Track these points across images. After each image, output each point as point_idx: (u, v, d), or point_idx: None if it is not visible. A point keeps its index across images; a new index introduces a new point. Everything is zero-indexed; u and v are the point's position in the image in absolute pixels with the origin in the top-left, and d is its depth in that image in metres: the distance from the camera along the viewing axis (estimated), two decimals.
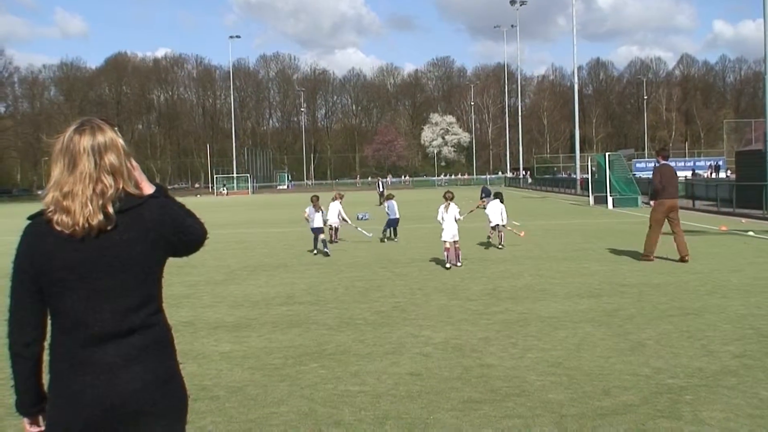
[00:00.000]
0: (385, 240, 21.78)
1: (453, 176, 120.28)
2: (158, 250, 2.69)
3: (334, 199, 21.71)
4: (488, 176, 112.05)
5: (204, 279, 14.14)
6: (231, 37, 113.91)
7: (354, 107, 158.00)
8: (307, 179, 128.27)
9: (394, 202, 22.25)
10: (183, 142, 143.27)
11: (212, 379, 6.98)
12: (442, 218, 15.56)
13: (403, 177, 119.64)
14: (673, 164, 16.57)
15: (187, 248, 2.82)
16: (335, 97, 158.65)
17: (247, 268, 15.71)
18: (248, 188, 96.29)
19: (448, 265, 14.84)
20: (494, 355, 7.58)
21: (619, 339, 8.14)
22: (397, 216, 22.04)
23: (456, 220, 15.42)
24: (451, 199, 15.82)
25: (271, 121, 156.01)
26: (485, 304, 10.52)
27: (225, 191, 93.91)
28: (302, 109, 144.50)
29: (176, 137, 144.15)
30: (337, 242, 21.32)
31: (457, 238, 15.23)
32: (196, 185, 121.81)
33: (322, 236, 18.62)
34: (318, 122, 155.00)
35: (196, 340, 8.65)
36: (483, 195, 29.49)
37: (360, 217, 31.87)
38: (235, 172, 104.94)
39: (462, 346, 7.98)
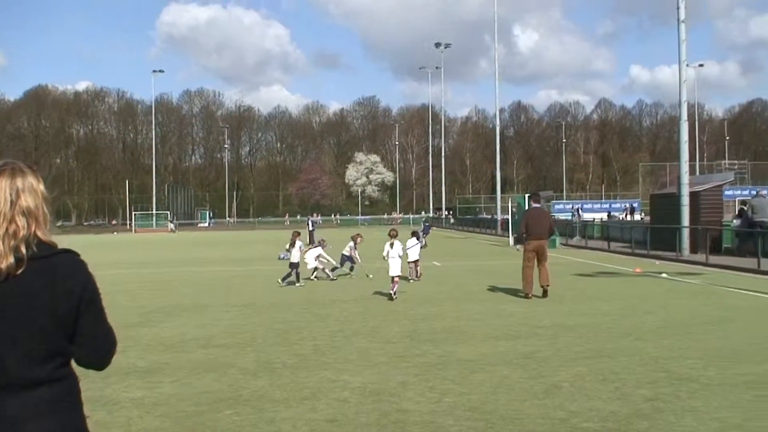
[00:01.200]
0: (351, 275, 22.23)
1: (388, 215, 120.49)
2: (65, 304, 2.61)
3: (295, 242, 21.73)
4: (411, 215, 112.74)
5: (117, 321, 13.79)
6: (154, 71, 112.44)
7: (279, 145, 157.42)
8: (229, 217, 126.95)
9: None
10: (102, 177, 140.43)
11: (121, 427, 6.80)
12: (388, 254, 17.01)
13: (333, 216, 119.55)
14: (541, 207, 17.80)
15: (87, 350, 2.70)
16: (260, 134, 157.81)
17: (164, 310, 15.41)
18: (168, 225, 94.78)
19: (396, 297, 16.32)
20: (412, 399, 7.57)
21: (534, 382, 8.22)
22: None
23: (400, 257, 16.82)
24: (396, 237, 17.42)
25: (193, 158, 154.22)
26: (405, 347, 10.52)
27: (172, 227, 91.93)
28: (226, 146, 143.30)
29: (95, 172, 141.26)
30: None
31: (399, 273, 16.70)
32: (113, 222, 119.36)
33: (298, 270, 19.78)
34: (242, 159, 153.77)
35: (107, 386, 8.41)
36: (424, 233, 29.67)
37: (282, 257, 31.62)
38: (154, 209, 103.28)
39: (380, 391, 7.95)
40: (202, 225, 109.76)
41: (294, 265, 20.09)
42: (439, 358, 9.68)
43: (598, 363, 9.18)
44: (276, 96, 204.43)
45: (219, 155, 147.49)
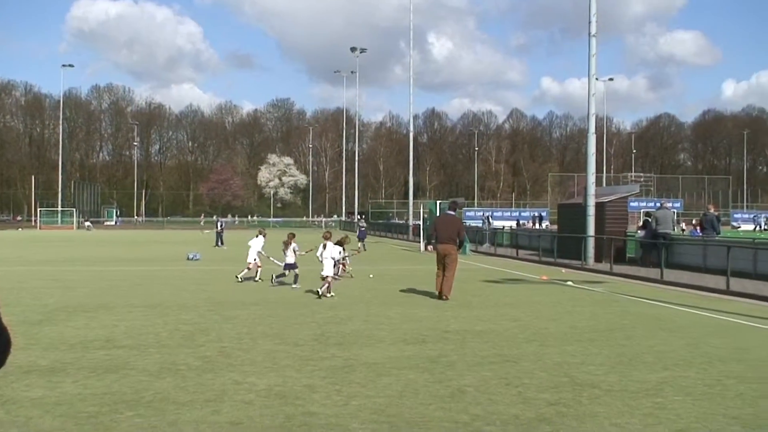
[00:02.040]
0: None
1: (318, 218, 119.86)
2: None
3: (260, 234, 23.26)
4: (323, 219, 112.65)
5: (18, 319, 13.39)
6: (63, 65, 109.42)
7: (190, 144, 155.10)
8: (137, 216, 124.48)
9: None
10: (6, 172, 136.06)
11: (20, 427, 6.59)
12: (321, 255, 18.11)
13: (249, 217, 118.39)
14: (452, 213, 18.53)
15: None
16: (170, 132, 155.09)
17: (66, 309, 15.00)
18: (74, 223, 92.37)
19: (330, 294, 17.30)
20: (318, 402, 7.54)
21: (440, 386, 8.28)
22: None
23: (333, 258, 17.96)
24: (329, 239, 18.49)
25: (101, 154, 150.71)
26: (312, 350, 10.48)
27: (89, 224, 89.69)
28: (135, 143, 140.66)
29: None
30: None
31: (332, 274, 17.72)
32: (18, 218, 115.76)
33: (296, 271, 20.26)
34: (151, 157, 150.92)
35: (6, 385, 8.14)
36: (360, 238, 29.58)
37: (190, 257, 31.22)
38: (60, 206, 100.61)
39: (286, 394, 7.89)
40: (109, 223, 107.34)
41: (290, 266, 20.36)
42: (346, 361, 9.67)
43: (502, 368, 9.31)
44: (188, 94, 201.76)
45: (128, 153, 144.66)
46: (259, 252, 22.43)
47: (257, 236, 23.05)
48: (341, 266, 22.39)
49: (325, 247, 18.29)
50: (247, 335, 11.79)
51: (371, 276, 22.48)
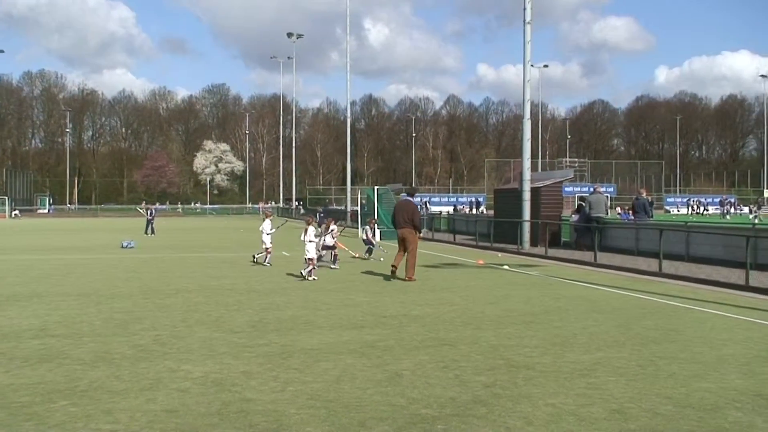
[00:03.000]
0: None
1: (256, 204, 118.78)
2: None
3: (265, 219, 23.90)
4: (261, 205, 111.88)
5: None
6: None
7: (123, 130, 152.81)
8: (70, 203, 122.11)
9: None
10: None
11: None
12: (303, 239, 19.13)
13: (194, 204, 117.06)
14: (416, 200, 20.24)
15: None
16: (103, 118, 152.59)
17: None
18: (5, 212, 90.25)
19: (312, 278, 18.19)
20: (255, 389, 7.51)
21: (377, 370, 8.31)
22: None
23: (312, 242, 18.93)
24: (311, 224, 19.72)
25: (33, 141, 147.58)
26: (249, 337, 10.42)
27: (17, 213, 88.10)
28: (67, 130, 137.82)
29: None
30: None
31: (313, 256, 18.61)
32: None
33: (335, 252, 22.16)
34: (84, 144, 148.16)
35: None
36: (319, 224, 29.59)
37: (125, 245, 30.77)
38: None
39: (222, 381, 7.84)
40: (41, 211, 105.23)
41: (328, 248, 22.32)
42: (283, 347, 9.65)
43: (439, 351, 9.38)
44: (120, 80, 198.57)
45: (60, 140, 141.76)
46: (270, 234, 23.11)
47: (264, 220, 23.85)
48: (334, 252, 22.81)
49: (306, 231, 19.19)
50: (182, 323, 11.67)
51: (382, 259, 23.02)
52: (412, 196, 19.86)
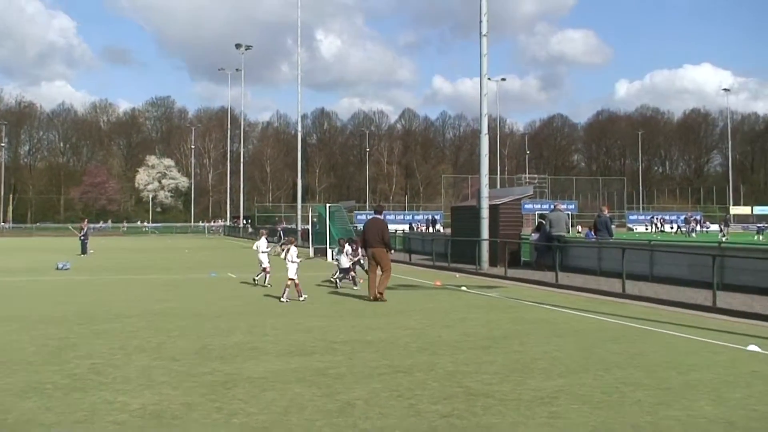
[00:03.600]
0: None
1: (201, 223, 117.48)
2: None
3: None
4: (205, 224, 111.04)
5: None
6: None
7: (62, 144, 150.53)
8: (4, 222, 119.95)
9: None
10: None
11: None
12: (285, 258, 19.33)
13: (125, 223, 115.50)
14: (381, 217, 20.12)
15: None
16: (41, 132, 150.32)
17: None
18: None
19: (284, 299, 18.37)
20: (197, 421, 7.33)
21: (328, 400, 8.17)
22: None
23: (295, 262, 19.02)
24: (293, 243, 20.04)
25: None
26: (191, 365, 10.21)
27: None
28: (3, 144, 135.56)
29: None
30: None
31: (294, 277, 18.72)
32: None
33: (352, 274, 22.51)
34: (20, 159, 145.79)
35: None
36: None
37: (60, 266, 30.25)
38: None
39: (161, 413, 7.64)
40: None
41: (345, 270, 22.47)
42: (228, 376, 9.46)
43: (394, 379, 9.26)
44: (59, 92, 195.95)
45: None
46: (265, 252, 23.26)
47: (260, 238, 24.03)
48: (352, 272, 23.00)
49: (288, 251, 19.39)
50: (120, 350, 11.42)
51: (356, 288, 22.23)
52: (381, 213, 20.36)
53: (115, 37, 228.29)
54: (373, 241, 19.13)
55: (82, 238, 42.87)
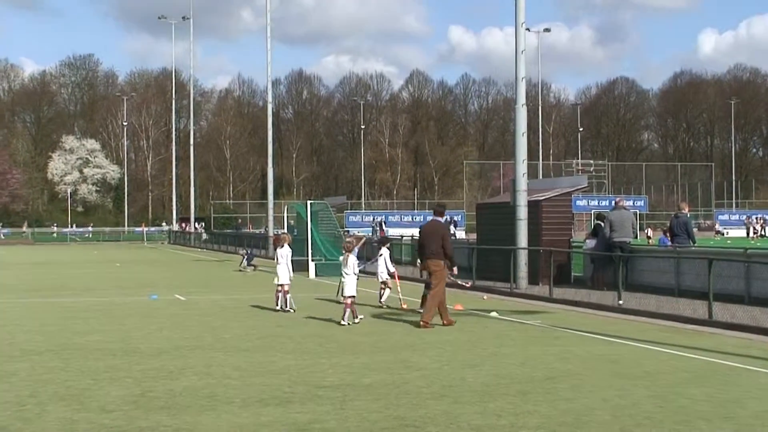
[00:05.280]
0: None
1: (140, 228, 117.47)
2: None
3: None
4: (145, 229, 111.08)
5: None
6: None
7: None
8: None
9: None
10: None
11: None
12: (344, 271, 20.30)
13: (27, 228, 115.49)
14: (443, 220, 20.89)
15: None
16: None
17: None
18: None
19: (343, 323, 19.31)
20: None
21: None
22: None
23: (355, 274, 20.18)
24: (351, 250, 20.73)
25: None
26: (127, 418, 10.29)
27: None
28: None
29: None
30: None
31: (353, 293, 19.77)
32: None
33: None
34: None
35: None
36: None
37: None
38: None
39: None
40: None
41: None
42: None
43: None
44: None
45: None
46: (288, 265, 23.11)
47: (282, 245, 23.59)
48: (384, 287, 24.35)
49: (346, 261, 20.50)
50: (31, 398, 11.50)
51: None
52: (442, 215, 20.95)
53: None
54: (429, 251, 19.75)
55: None
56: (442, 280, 19.63)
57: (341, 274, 20.78)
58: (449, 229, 20.73)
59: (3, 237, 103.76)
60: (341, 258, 21.13)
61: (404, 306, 23.23)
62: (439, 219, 20.73)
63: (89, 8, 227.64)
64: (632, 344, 16.61)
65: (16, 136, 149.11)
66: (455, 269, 20.59)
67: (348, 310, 19.66)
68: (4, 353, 15.67)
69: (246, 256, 43.17)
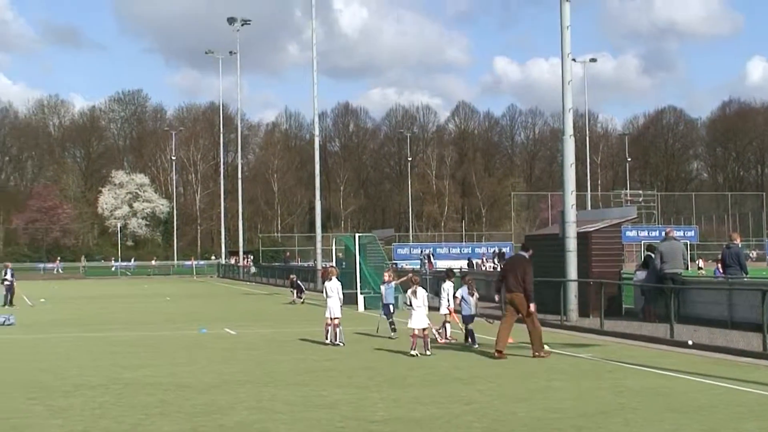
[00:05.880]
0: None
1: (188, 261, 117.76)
2: None
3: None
4: (194, 262, 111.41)
5: None
6: None
7: None
8: None
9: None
10: None
11: None
12: (410, 303, 20.41)
13: (85, 262, 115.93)
14: (526, 255, 21.35)
15: None
16: None
17: None
18: None
19: (413, 352, 19.77)
20: None
21: None
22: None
23: (423, 306, 20.26)
24: (418, 283, 20.91)
25: None
26: None
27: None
28: None
29: None
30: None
31: (425, 326, 20.18)
32: None
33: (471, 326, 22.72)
34: None
35: None
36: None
37: (1, 321, 30.57)
38: None
39: None
40: None
41: (468, 318, 22.84)
42: None
43: None
44: None
45: None
46: (339, 298, 23.18)
47: (330, 279, 23.55)
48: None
49: (415, 293, 20.53)
50: None
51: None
52: (527, 250, 21.63)
53: (61, 10, 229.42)
54: (511, 284, 20.28)
55: (8, 283, 42.49)
56: (528, 308, 20.15)
57: (384, 311, 22.22)
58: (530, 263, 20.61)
59: (62, 272, 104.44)
60: (409, 292, 20.96)
61: (442, 340, 23.15)
62: (524, 254, 21.36)
63: (134, 44, 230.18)
64: (685, 377, 16.48)
65: (66, 172, 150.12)
66: (532, 306, 20.44)
67: (419, 340, 20.01)
68: (57, 388, 15.77)
69: (294, 287, 43.11)
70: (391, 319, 24.47)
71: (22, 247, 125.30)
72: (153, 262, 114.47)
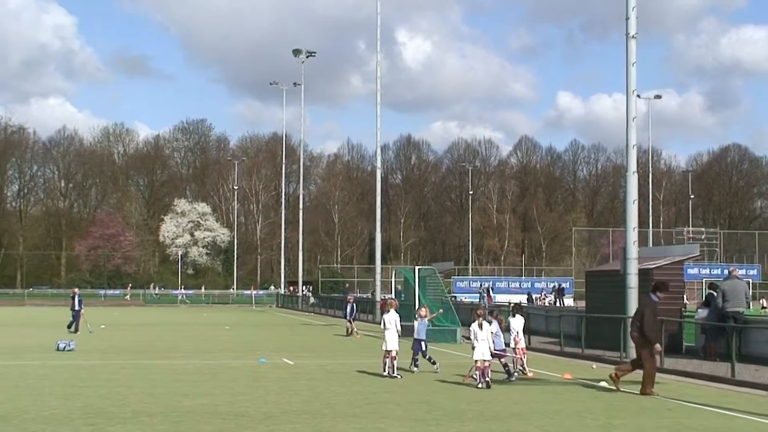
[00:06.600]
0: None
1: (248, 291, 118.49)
2: None
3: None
4: (254, 292, 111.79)
5: None
6: None
7: (62, 183, 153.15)
8: None
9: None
10: None
11: None
12: (476, 337, 20.83)
13: (154, 287, 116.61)
14: (655, 298, 20.89)
15: None
16: (35, 167, 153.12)
17: None
18: None
19: (480, 385, 20.36)
20: None
21: None
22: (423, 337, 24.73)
23: (485, 339, 20.77)
24: (483, 317, 21.46)
25: None
26: None
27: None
28: None
29: None
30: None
31: (489, 357, 20.72)
32: None
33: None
34: (7, 203, 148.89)
35: None
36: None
37: (62, 347, 30.83)
38: None
39: None
40: None
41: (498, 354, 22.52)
42: None
43: None
44: (56, 113, 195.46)
45: None
46: (398, 331, 23.43)
47: (389, 311, 23.91)
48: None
49: (480, 326, 21.02)
50: None
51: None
52: (654, 291, 21.18)
53: (130, 40, 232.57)
54: (634, 325, 20.55)
55: (77, 309, 42.68)
56: (646, 352, 20.03)
57: (414, 346, 23.03)
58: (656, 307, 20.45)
59: (129, 298, 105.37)
60: (473, 325, 21.24)
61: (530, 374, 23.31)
62: (652, 295, 20.96)
63: (200, 74, 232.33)
64: (746, 417, 16.29)
65: (129, 199, 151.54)
66: (657, 346, 20.54)
67: (478, 372, 20.55)
68: (117, 415, 15.87)
69: (349, 313, 42.73)
70: (427, 355, 24.42)
71: (83, 273, 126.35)
72: (202, 290, 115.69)
